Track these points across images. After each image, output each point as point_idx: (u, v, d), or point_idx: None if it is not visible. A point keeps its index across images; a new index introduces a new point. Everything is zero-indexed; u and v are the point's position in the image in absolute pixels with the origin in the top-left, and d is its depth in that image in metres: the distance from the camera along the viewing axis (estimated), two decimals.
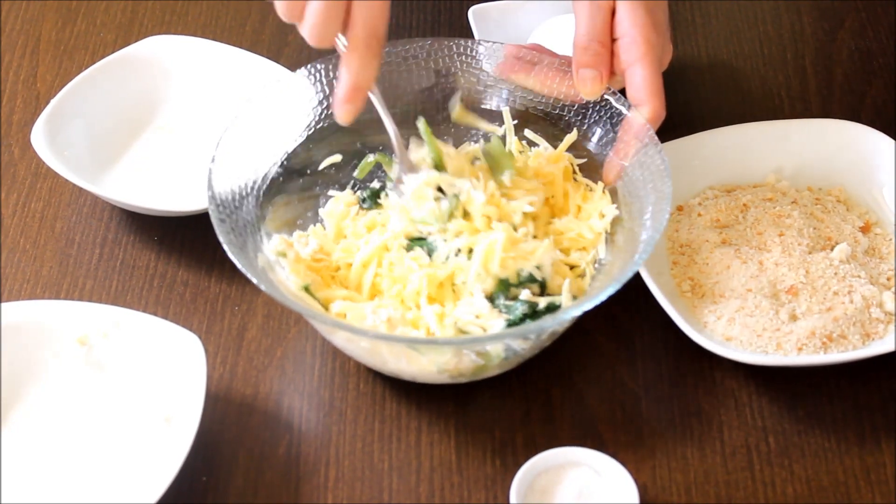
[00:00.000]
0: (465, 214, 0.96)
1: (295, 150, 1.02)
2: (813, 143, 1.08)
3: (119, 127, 1.14)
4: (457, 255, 0.95)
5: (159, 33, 1.19)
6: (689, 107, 1.19)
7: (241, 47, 1.16)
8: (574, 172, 1.02)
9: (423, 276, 0.93)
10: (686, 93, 1.20)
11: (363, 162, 1.02)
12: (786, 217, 1.03)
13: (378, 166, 1.01)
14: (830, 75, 1.22)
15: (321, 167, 1.03)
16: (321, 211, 1.02)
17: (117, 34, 1.26)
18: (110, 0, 1.30)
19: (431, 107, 1.05)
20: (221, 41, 1.17)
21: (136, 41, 1.17)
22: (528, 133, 1.03)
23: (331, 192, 1.03)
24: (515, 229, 0.96)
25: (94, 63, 1.14)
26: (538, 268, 0.95)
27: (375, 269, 0.96)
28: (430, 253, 0.96)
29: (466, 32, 1.19)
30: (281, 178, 1.01)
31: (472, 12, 1.19)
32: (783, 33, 1.27)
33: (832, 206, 1.06)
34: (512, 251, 0.94)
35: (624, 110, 0.99)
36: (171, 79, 1.16)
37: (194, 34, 1.19)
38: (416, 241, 0.97)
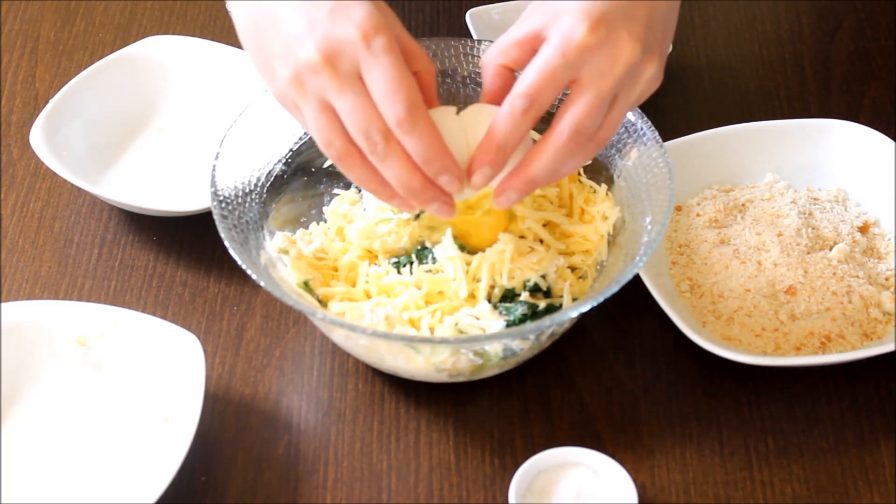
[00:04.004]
0: None
1: (300, 147, 1.02)
2: (811, 144, 1.08)
3: (118, 127, 1.14)
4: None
5: (158, 34, 1.19)
6: (688, 107, 1.19)
7: (239, 48, 1.15)
8: (579, 174, 1.02)
9: (410, 294, 0.94)
10: (685, 93, 1.20)
11: None
12: (784, 217, 1.03)
13: None
14: (829, 76, 1.22)
15: (326, 165, 1.03)
16: (325, 209, 1.02)
17: (116, 34, 1.26)
18: (109, 0, 1.30)
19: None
20: (220, 41, 1.17)
21: (134, 41, 1.17)
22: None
23: (336, 191, 1.03)
24: (521, 237, 0.96)
25: (92, 63, 1.15)
26: (543, 277, 0.95)
27: (365, 278, 0.96)
28: (433, 260, 0.96)
29: (465, 34, 1.19)
30: (285, 176, 1.01)
31: (470, 15, 1.19)
32: (782, 34, 1.27)
33: (830, 206, 1.06)
34: (519, 262, 0.94)
35: (628, 112, 0.99)
36: (169, 79, 1.16)
37: (193, 34, 1.19)
38: (420, 251, 0.97)
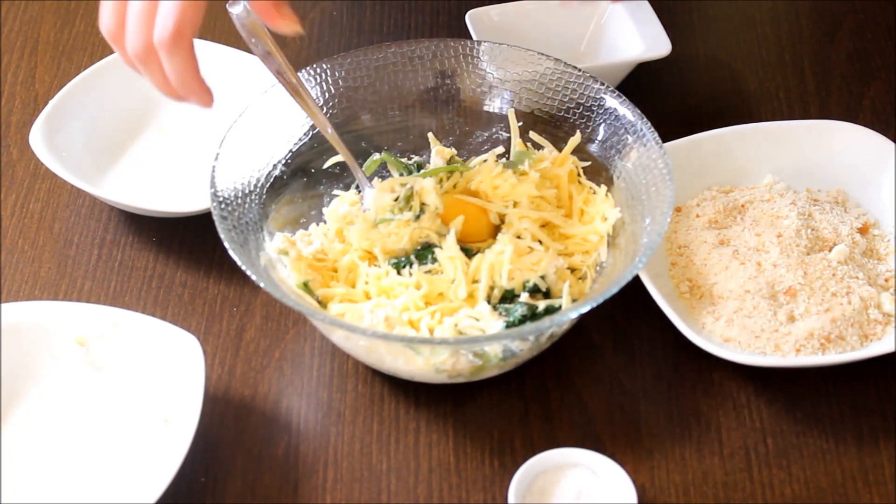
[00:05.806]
0: (422, 204, 0.97)
1: (299, 149, 1.02)
2: (811, 145, 1.08)
3: (117, 128, 1.14)
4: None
5: None
6: (688, 108, 1.19)
7: (240, 48, 1.16)
8: (578, 175, 1.02)
9: (410, 295, 0.94)
10: (684, 94, 1.20)
11: (369, 160, 1.02)
12: (784, 218, 1.03)
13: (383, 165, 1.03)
14: (829, 76, 1.22)
15: (325, 166, 1.03)
16: (324, 210, 1.02)
17: None
18: None
19: (434, 108, 1.05)
20: (220, 42, 1.17)
21: None
22: (532, 135, 1.03)
23: (335, 192, 1.03)
24: (520, 236, 0.97)
25: (92, 64, 1.14)
26: (542, 277, 0.95)
27: (365, 278, 0.96)
28: (433, 261, 0.96)
29: (465, 35, 1.19)
30: (285, 177, 1.01)
31: (470, 16, 1.19)
32: (781, 35, 1.27)
33: (830, 207, 1.06)
34: (518, 263, 0.94)
35: (628, 114, 0.99)
36: None
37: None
38: (420, 252, 0.97)
